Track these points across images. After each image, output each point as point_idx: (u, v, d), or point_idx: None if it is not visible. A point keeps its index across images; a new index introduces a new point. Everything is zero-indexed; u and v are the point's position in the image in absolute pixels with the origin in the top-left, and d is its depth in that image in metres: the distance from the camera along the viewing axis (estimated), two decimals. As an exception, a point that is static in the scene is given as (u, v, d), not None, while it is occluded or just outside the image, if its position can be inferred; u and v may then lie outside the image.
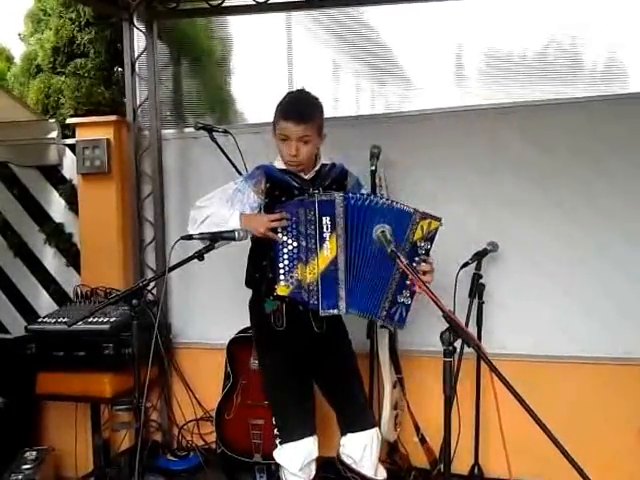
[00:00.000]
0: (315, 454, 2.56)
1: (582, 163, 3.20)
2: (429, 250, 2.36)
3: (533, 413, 1.79)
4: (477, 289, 3.10)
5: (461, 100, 3.66)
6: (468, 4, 3.55)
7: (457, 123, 3.39)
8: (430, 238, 2.35)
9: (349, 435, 2.58)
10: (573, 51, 3.57)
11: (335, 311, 2.37)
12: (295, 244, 2.37)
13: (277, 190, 2.49)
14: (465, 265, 3.02)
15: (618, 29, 3.43)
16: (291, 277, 2.37)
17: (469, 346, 1.91)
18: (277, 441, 2.57)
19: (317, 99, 2.55)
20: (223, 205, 2.51)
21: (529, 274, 3.27)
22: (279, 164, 2.56)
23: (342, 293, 2.36)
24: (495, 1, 3.52)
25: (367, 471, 2.56)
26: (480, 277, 3.11)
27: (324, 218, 2.33)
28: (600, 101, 3.24)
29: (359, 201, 2.36)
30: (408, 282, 2.34)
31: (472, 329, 3.10)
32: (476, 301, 3.12)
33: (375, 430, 2.60)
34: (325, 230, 2.34)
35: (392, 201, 2.39)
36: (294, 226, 2.37)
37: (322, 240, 2.34)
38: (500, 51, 3.72)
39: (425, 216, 2.34)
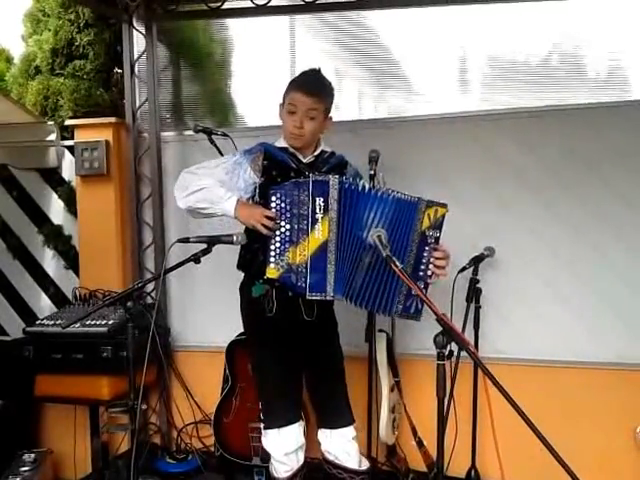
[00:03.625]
0: (301, 441, 2.59)
1: (581, 169, 3.19)
2: (438, 238, 2.34)
3: (526, 417, 1.79)
4: (474, 294, 3.11)
5: (463, 106, 3.65)
6: (471, 10, 3.54)
7: (456, 129, 3.38)
8: (438, 226, 2.33)
9: (327, 431, 2.62)
10: (575, 58, 3.55)
11: (322, 295, 2.31)
12: (288, 226, 2.33)
13: (274, 169, 2.49)
14: (462, 270, 3.03)
15: (620, 37, 3.41)
16: (281, 260, 2.33)
17: (462, 349, 1.91)
18: (262, 426, 2.61)
19: (331, 83, 2.58)
20: (222, 176, 2.50)
21: (525, 279, 3.26)
22: (280, 143, 2.58)
23: (330, 277, 2.30)
24: (498, 8, 3.51)
25: (351, 464, 2.59)
26: (477, 282, 3.12)
27: (317, 199, 2.29)
28: (601, 108, 3.23)
29: (355, 186, 2.32)
30: (421, 273, 2.33)
31: (469, 333, 3.11)
32: (473, 305, 3.13)
33: (353, 426, 2.63)
34: (318, 211, 2.29)
35: (394, 190, 2.33)
36: (288, 208, 2.33)
37: (314, 221, 2.29)
38: (503, 58, 3.70)
39: (431, 204, 2.31)
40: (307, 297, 2.33)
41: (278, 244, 2.35)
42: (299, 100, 2.46)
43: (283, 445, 2.54)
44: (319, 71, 2.58)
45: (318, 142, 2.61)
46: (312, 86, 2.49)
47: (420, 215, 2.31)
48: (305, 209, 2.31)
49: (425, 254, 2.33)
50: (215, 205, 2.45)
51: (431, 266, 2.34)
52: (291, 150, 2.55)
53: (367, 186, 2.36)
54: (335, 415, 2.62)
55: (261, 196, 2.49)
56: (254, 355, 2.70)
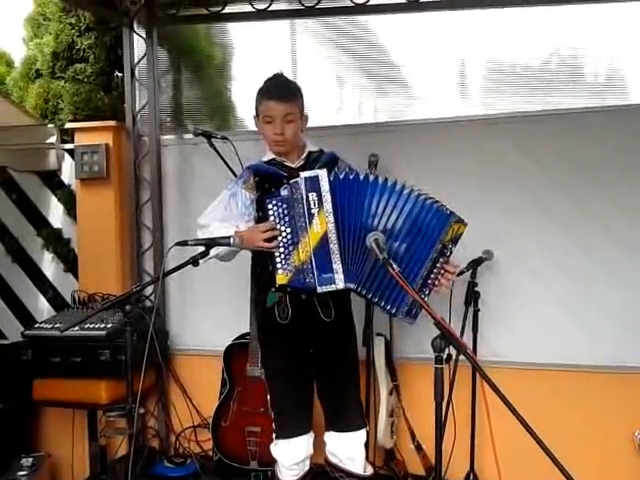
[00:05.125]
0: (310, 451, 2.59)
1: (579, 174, 3.19)
2: (452, 253, 2.36)
3: (523, 420, 1.78)
4: (472, 297, 3.12)
5: (463, 110, 3.66)
6: (471, 15, 3.55)
7: (455, 133, 3.39)
8: (456, 241, 2.36)
9: (336, 434, 2.60)
10: (574, 63, 3.56)
11: (332, 286, 2.33)
12: (289, 230, 2.36)
13: (266, 183, 2.51)
14: (460, 273, 2.99)
15: (619, 41, 3.43)
16: (288, 265, 2.36)
17: (459, 353, 1.91)
18: (273, 435, 2.61)
19: (296, 83, 2.62)
20: (223, 213, 2.55)
21: (523, 282, 3.26)
22: (266, 157, 2.60)
23: (337, 267, 2.32)
24: (498, 13, 3.52)
25: (354, 469, 2.58)
26: (475, 285, 3.12)
27: (310, 194, 2.32)
28: (599, 112, 3.24)
29: (355, 175, 2.34)
30: (430, 281, 2.34)
31: (467, 337, 3.11)
32: (471, 309, 3.13)
33: (364, 431, 2.63)
34: (313, 206, 2.32)
35: (420, 192, 2.34)
36: (286, 212, 2.36)
37: (311, 217, 2.33)
38: (502, 62, 3.72)
39: (459, 220, 2.34)
40: (318, 291, 2.34)
41: (282, 249, 2.37)
42: (274, 109, 2.48)
43: (293, 456, 2.55)
44: (283, 75, 2.62)
45: (304, 145, 2.62)
46: (283, 92, 2.52)
47: (447, 228, 2.33)
48: (301, 207, 2.34)
49: (438, 265, 2.35)
50: (219, 248, 2.45)
51: (440, 277, 2.36)
52: (278, 159, 2.57)
53: (368, 174, 2.36)
54: (346, 420, 2.61)
55: (259, 209, 2.51)
56: (268, 365, 2.69)
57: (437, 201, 2.34)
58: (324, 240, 2.33)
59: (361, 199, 2.33)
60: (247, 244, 2.43)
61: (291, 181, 2.37)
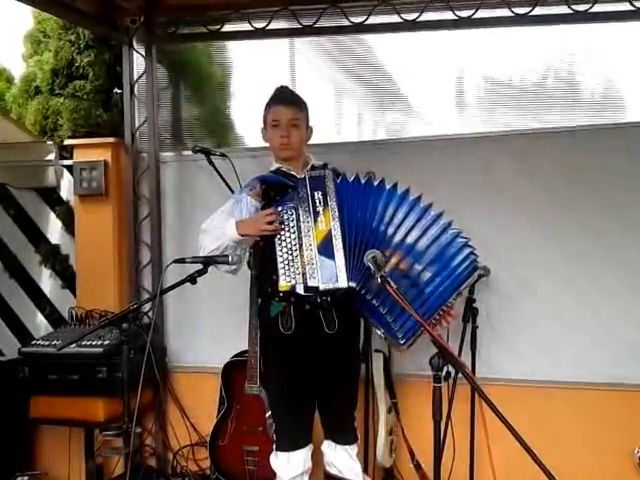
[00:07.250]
0: (308, 464, 2.60)
1: (576, 190, 3.22)
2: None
3: (521, 438, 1.77)
4: (470, 314, 3.11)
5: (460, 127, 3.68)
6: (469, 33, 3.58)
7: (452, 150, 3.41)
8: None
9: (332, 444, 2.62)
10: (571, 80, 3.60)
11: (334, 284, 2.32)
12: (294, 235, 2.38)
13: (272, 191, 2.55)
14: (458, 291, 3.01)
15: (616, 59, 3.46)
16: (292, 271, 2.36)
17: (457, 372, 1.90)
18: (273, 446, 2.61)
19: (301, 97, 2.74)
20: (224, 220, 2.56)
21: (521, 299, 3.26)
22: (273, 167, 2.65)
23: (340, 265, 2.32)
24: (495, 30, 3.55)
25: (355, 477, 2.60)
26: (473, 301, 3.11)
27: (315, 193, 2.37)
28: (596, 130, 3.25)
29: (358, 178, 2.40)
30: (434, 321, 2.34)
31: (466, 354, 3.11)
32: (470, 326, 3.12)
33: (356, 445, 2.66)
34: (318, 204, 2.36)
35: (453, 228, 2.38)
36: (292, 218, 2.39)
37: (316, 214, 2.36)
38: (499, 79, 3.75)
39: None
40: (321, 289, 2.33)
41: (286, 254, 2.38)
42: (281, 112, 2.59)
43: (291, 469, 2.56)
44: (288, 87, 2.76)
45: (308, 158, 2.67)
46: (290, 98, 2.67)
47: (470, 279, 2.39)
48: (306, 206, 2.37)
49: (445, 307, 2.36)
50: (222, 239, 2.49)
51: (442, 319, 2.38)
52: (284, 169, 2.61)
53: (383, 180, 2.40)
54: (341, 433, 2.63)
55: None
56: (270, 378, 2.69)
57: (467, 241, 2.38)
58: (328, 237, 2.34)
59: (373, 203, 2.36)
60: (250, 230, 2.45)
61: (298, 181, 2.43)
